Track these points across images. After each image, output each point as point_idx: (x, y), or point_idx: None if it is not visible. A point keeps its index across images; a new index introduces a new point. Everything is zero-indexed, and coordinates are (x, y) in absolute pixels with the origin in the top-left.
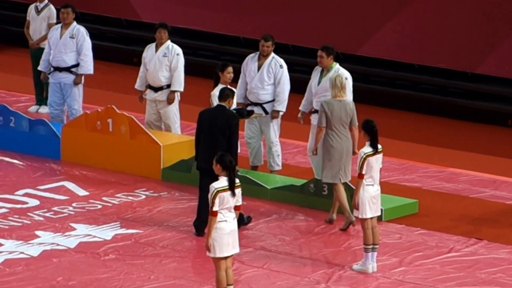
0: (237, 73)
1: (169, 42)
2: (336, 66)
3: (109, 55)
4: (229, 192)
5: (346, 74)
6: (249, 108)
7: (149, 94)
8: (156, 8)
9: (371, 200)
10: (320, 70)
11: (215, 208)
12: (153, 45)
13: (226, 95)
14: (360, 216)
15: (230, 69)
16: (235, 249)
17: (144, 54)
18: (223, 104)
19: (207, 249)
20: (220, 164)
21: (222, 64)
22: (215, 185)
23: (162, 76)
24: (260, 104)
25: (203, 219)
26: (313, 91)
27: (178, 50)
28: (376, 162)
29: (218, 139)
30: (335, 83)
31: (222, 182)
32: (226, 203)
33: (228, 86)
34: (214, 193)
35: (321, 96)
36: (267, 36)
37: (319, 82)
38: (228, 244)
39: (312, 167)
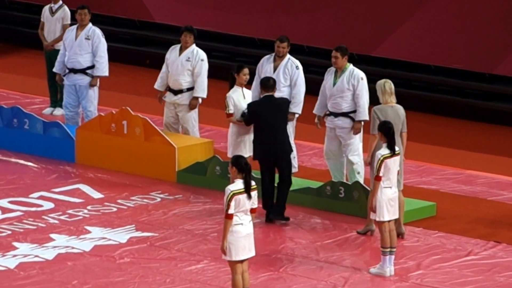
0: (252, 75)
1: (194, 46)
2: (351, 66)
3: (122, 57)
4: (245, 195)
5: (361, 74)
6: None
7: (169, 97)
8: (169, 9)
9: (388, 203)
10: (334, 71)
11: (230, 211)
12: (178, 47)
13: (271, 85)
14: (377, 219)
15: (246, 70)
16: (251, 252)
17: (167, 55)
18: (269, 94)
19: (222, 252)
20: (235, 166)
21: (238, 65)
22: (231, 188)
23: (183, 80)
24: None
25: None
26: (328, 93)
27: (203, 55)
28: (394, 164)
29: (277, 126)
30: (384, 88)
31: (238, 184)
32: (242, 206)
33: (268, 76)
34: (229, 195)
35: (337, 98)
36: (283, 37)
37: (334, 84)
38: (244, 247)
39: (329, 170)
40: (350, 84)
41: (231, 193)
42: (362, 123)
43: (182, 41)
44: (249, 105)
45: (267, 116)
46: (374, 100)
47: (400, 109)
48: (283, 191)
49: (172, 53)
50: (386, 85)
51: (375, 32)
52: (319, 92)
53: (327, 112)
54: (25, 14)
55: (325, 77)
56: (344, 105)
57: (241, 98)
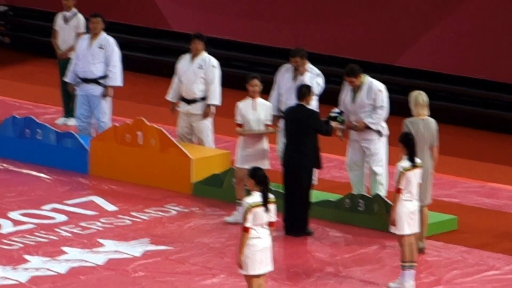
0: (271, 84)
1: (205, 53)
2: (368, 80)
3: (138, 66)
4: (262, 208)
5: (379, 87)
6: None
7: (182, 107)
8: (187, 17)
9: (409, 216)
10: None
11: (247, 224)
12: (188, 56)
13: (303, 93)
14: (397, 233)
15: (254, 81)
16: (269, 267)
17: (178, 65)
18: (301, 102)
19: (238, 266)
20: (253, 178)
21: (249, 76)
22: (249, 201)
23: (197, 89)
24: None
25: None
26: (349, 108)
27: (214, 62)
28: (415, 176)
29: (302, 137)
30: (417, 101)
31: (256, 197)
32: (260, 219)
33: (305, 84)
34: (247, 208)
35: (359, 114)
36: (294, 50)
37: (353, 99)
38: (261, 261)
39: (350, 182)
40: (370, 99)
41: (249, 206)
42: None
43: (192, 49)
44: (284, 111)
45: (291, 124)
46: (392, 111)
47: (432, 122)
48: (299, 206)
49: (183, 62)
50: (419, 97)
51: (397, 41)
52: (338, 102)
53: (351, 125)
54: (40, 22)
55: (343, 91)
56: (367, 119)
57: (249, 109)
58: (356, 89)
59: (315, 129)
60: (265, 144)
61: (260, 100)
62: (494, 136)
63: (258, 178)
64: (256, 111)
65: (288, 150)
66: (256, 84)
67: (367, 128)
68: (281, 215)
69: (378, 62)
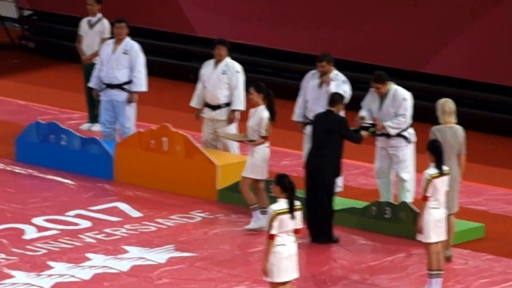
0: (296, 90)
1: (228, 59)
2: (393, 87)
3: (164, 71)
4: (288, 215)
5: (404, 95)
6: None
7: (207, 113)
8: (213, 23)
9: (436, 224)
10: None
11: (273, 231)
12: (212, 61)
13: (336, 100)
14: (424, 240)
15: (249, 90)
16: (294, 274)
17: (202, 71)
18: (331, 109)
19: (263, 273)
20: (279, 185)
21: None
22: (274, 207)
23: (221, 95)
24: None
25: (313, 221)
26: (376, 116)
27: (238, 67)
28: (442, 184)
29: (325, 142)
30: (444, 108)
31: (281, 204)
32: (285, 226)
33: (338, 92)
34: (272, 215)
35: (386, 121)
36: (321, 55)
37: (380, 107)
38: (286, 268)
39: (378, 189)
40: (395, 107)
41: (274, 213)
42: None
43: (215, 54)
44: (313, 117)
45: (319, 130)
46: (420, 118)
47: (459, 129)
48: (322, 211)
49: (207, 68)
50: (446, 105)
51: (425, 47)
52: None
53: (379, 133)
54: (65, 27)
55: (368, 98)
56: (387, 122)
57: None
58: (382, 97)
59: (344, 135)
60: (254, 154)
61: (259, 108)
62: None
63: (284, 184)
64: (253, 117)
65: (311, 154)
66: (251, 93)
67: (396, 135)
68: (306, 221)
69: (406, 68)
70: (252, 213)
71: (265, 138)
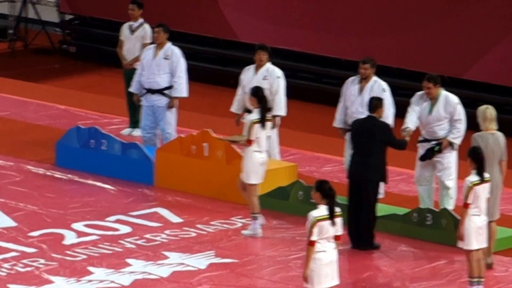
0: (337, 96)
1: (269, 64)
2: (444, 92)
3: (205, 76)
4: (328, 221)
5: (456, 100)
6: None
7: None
8: (254, 28)
9: (477, 231)
10: (426, 97)
11: (313, 238)
12: (252, 67)
13: (375, 105)
14: (465, 248)
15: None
16: (335, 281)
17: (242, 76)
18: (372, 114)
19: (304, 280)
20: (319, 191)
21: None
22: (314, 214)
23: None
24: None
25: (355, 229)
26: (424, 121)
27: (279, 72)
28: (483, 191)
29: (370, 149)
30: (485, 115)
31: (322, 210)
32: (325, 233)
33: (375, 96)
34: (313, 222)
35: (434, 126)
36: (366, 58)
37: (430, 111)
38: (326, 275)
39: (418, 197)
40: (447, 112)
41: (315, 220)
42: (456, 146)
43: (256, 60)
44: (352, 122)
45: (361, 136)
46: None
47: (501, 136)
48: (364, 219)
49: (247, 74)
50: (487, 112)
51: (466, 54)
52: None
53: (421, 139)
54: (106, 32)
55: (417, 101)
56: (440, 132)
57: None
58: (432, 101)
59: (388, 142)
60: (247, 157)
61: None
62: None
63: (324, 191)
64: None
65: (355, 162)
66: (251, 95)
67: (451, 145)
68: (347, 228)
69: (446, 75)
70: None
71: (248, 141)
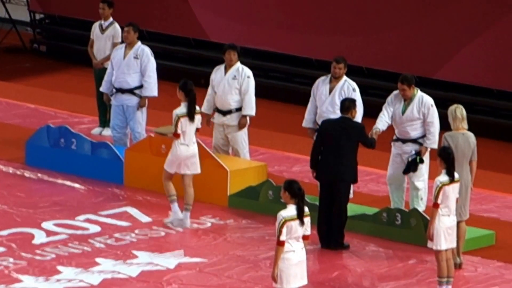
0: (308, 96)
1: (238, 64)
2: (419, 93)
3: (176, 76)
4: (297, 221)
5: (430, 101)
6: None
7: (217, 118)
8: (225, 28)
9: (446, 231)
10: (401, 97)
11: (282, 238)
12: (222, 66)
13: (348, 106)
14: (434, 248)
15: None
16: (303, 281)
17: (212, 76)
18: (346, 115)
19: (273, 280)
20: (288, 191)
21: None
22: (283, 214)
23: (232, 100)
24: None
25: (326, 229)
26: (397, 120)
27: (249, 72)
28: (453, 191)
29: (343, 150)
30: (455, 114)
31: (291, 210)
32: (294, 233)
33: (349, 97)
34: (281, 222)
35: (406, 126)
36: (339, 58)
37: (403, 112)
38: (295, 275)
39: (389, 196)
40: (420, 113)
41: (283, 219)
42: (429, 149)
43: (226, 59)
44: (322, 122)
45: (333, 137)
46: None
47: (471, 136)
48: (336, 219)
49: (217, 73)
50: (458, 111)
51: (437, 54)
52: (377, 115)
53: (394, 138)
54: (77, 31)
55: (391, 100)
56: (413, 132)
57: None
58: (407, 101)
59: (364, 142)
60: (172, 149)
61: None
62: None
63: (293, 191)
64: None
65: (327, 163)
66: (179, 90)
67: (412, 142)
68: (317, 228)
69: (417, 75)
70: (170, 205)
71: (175, 134)
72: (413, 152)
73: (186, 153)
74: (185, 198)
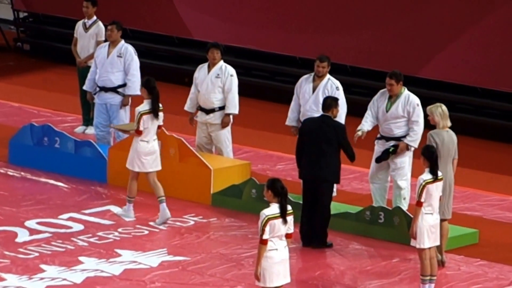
0: (291, 94)
1: (222, 62)
2: (405, 91)
3: (159, 74)
4: (280, 220)
5: (416, 101)
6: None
7: (200, 117)
8: (209, 26)
9: (429, 230)
10: (388, 95)
11: (265, 236)
12: (205, 65)
13: (329, 104)
14: (418, 246)
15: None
16: (286, 279)
17: (195, 75)
18: (327, 114)
19: (256, 278)
20: (271, 190)
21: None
22: (266, 212)
23: (215, 98)
24: None
25: (309, 228)
26: (381, 117)
27: (232, 71)
28: (436, 190)
29: (324, 149)
30: (444, 113)
31: (274, 209)
32: (277, 231)
33: (331, 96)
34: (264, 220)
35: (390, 124)
36: (323, 56)
37: (388, 109)
38: (278, 273)
39: (371, 194)
40: (405, 111)
41: (266, 218)
42: (412, 149)
43: (209, 58)
44: (303, 121)
45: (315, 135)
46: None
47: (454, 134)
48: (319, 218)
49: (201, 72)
50: (445, 109)
51: (420, 52)
52: (362, 114)
53: (378, 136)
54: (60, 29)
55: (376, 99)
56: (396, 130)
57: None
58: (392, 99)
59: (342, 146)
60: (133, 146)
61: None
62: None
63: (276, 189)
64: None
65: (309, 162)
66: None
67: (395, 140)
68: (299, 227)
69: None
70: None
71: (137, 131)
72: (392, 143)
73: (145, 149)
74: (156, 192)
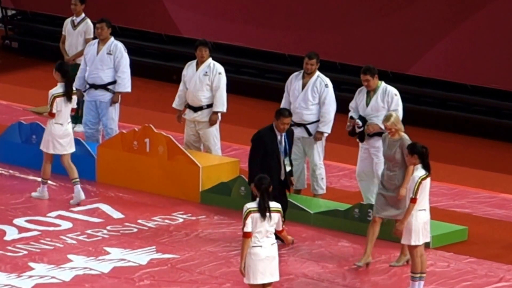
0: (280, 92)
1: (210, 60)
2: (383, 84)
3: (148, 72)
4: (258, 214)
5: (394, 91)
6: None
7: (188, 114)
8: (197, 24)
9: (423, 226)
10: (365, 91)
11: (246, 229)
12: (194, 63)
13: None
14: (413, 243)
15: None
16: (274, 277)
17: (184, 72)
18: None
19: (241, 273)
20: (255, 185)
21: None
22: (247, 205)
23: (203, 96)
24: (303, 125)
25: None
26: (362, 113)
27: (220, 69)
28: (427, 185)
29: (272, 158)
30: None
31: (256, 203)
32: (260, 226)
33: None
34: (245, 212)
35: (372, 118)
36: (312, 53)
37: (367, 104)
38: (263, 271)
39: (361, 192)
40: (385, 102)
41: (247, 210)
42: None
43: (197, 56)
44: (258, 131)
45: (270, 144)
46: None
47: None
48: None
49: (189, 69)
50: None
51: (410, 50)
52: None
53: (370, 134)
54: (48, 27)
55: (356, 96)
56: (379, 123)
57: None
58: (371, 93)
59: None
60: (47, 129)
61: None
62: (507, 146)
63: (257, 185)
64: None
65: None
66: None
67: (378, 135)
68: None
69: (390, 70)
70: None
71: (50, 114)
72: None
73: (60, 132)
74: (70, 174)
